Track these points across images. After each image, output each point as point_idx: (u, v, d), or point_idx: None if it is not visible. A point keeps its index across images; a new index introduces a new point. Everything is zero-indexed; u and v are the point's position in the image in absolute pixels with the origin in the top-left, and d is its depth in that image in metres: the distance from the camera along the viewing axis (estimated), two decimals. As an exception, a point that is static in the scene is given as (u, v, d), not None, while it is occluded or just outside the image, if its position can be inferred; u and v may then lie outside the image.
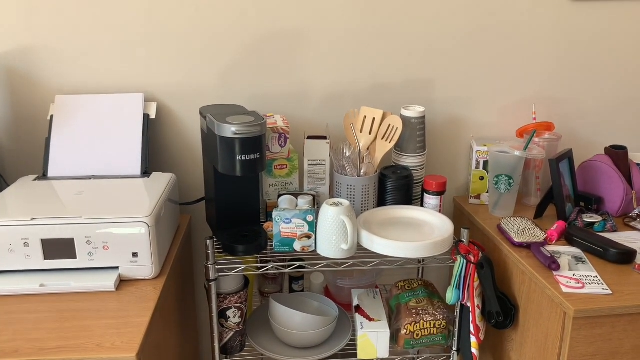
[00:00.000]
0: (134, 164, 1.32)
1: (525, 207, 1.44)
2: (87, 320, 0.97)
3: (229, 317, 1.25)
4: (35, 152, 1.41)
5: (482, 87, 1.50)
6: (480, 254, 1.21)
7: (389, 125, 1.34)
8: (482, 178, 1.46)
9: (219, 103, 1.38)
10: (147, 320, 0.97)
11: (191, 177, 1.48)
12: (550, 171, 1.31)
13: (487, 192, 1.45)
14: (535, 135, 1.38)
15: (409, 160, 1.38)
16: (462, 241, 1.22)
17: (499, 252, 1.29)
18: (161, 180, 1.27)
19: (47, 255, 1.06)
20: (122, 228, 1.06)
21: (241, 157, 1.14)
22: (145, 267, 1.09)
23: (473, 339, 1.23)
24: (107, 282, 1.06)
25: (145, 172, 1.32)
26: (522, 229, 1.27)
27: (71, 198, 1.16)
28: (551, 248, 1.22)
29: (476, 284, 1.20)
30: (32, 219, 1.05)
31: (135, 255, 1.08)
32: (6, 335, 0.93)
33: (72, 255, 1.07)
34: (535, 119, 1.48)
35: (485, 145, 1.44)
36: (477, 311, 1.21)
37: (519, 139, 1.49)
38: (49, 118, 1.34)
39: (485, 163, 1.44)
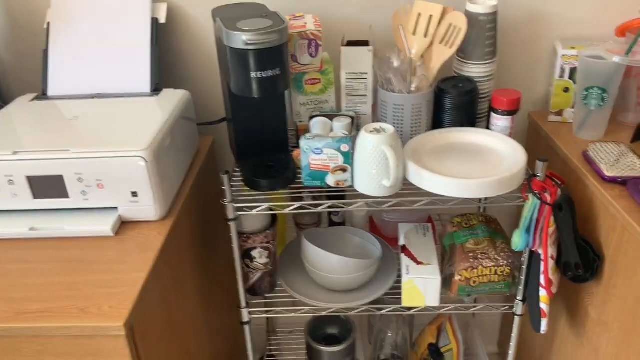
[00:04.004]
0: (142, 79, 1.12)
1: (619, 126, 1.15)
2: (76, 275, 0.83)
3: (255, 258, 1.10)
4: (36, 66, 1.24)
5: (574, -30, 1.16)
6: (559, 192, 0.96)
7: (450, 24, 1.06)
8: (566, 90, 1.17)
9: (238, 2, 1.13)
10: (144, 276, 0.82)
11: (211, 93, 1.27)
12: (660, 83, 1.01)
13: (572, 108, 1.17)
14: (642, 34, 1.06)
15: (475, 70, 1.11)
16: (537, 176, 0.97)
17: (583, 187, 1.03)
18: (171, 100, 1.07)
19: (37, 194, 0.91)
20: (115, 164, 0.89)
21: (256, 74, 0.92)
22: (147, 207, 0.92)
23: (543, 292, 1.02)
24: (103, 226, 0.91)
25: (156, 89, 1.13)
26: (616, 158, 1.00)
27: (64, 125, 0.99)
28: (654, 185, 0.95)
29: (551, 229, 0.97)
30: (15, 152, 0.89)
31: (134, 194, 0.91)
32: (-16, 292, 0.81)
33: (63, 194, 0.91)
34: (644, 12, 1.15)
35: (573, 49, 1.14)
36: (551, 262, 0.99)
37: (619, 40, 1.16)
38: (45, 26, 1.15)
39: (573, 71, 1.14)
